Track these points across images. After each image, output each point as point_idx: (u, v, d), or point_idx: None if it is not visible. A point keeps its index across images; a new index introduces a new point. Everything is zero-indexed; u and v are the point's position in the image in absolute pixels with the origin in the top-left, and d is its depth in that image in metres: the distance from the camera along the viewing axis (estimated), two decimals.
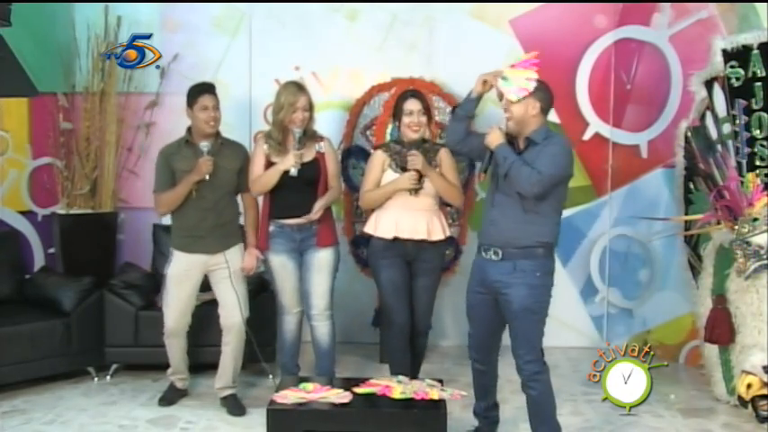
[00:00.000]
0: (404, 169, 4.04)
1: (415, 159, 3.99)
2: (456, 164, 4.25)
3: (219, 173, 4.14)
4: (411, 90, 4.28)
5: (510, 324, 3.57)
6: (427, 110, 4.15)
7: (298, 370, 4.46)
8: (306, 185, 4.19)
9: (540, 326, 3.58)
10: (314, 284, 4.26)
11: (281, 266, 4.29)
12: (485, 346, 3.75)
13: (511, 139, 3.50)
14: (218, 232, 4.21)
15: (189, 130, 4.23)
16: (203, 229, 4.18)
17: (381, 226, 4.13)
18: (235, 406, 4.29)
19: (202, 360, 4.55)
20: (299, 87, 4.26)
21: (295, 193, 4.18)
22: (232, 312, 4.23)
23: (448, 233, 4.19)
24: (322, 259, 4.26)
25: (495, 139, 3.45)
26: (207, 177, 4.08)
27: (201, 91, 4.15)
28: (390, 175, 4.10)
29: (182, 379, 4.44)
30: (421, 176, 4.01)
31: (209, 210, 4.17)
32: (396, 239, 4.08)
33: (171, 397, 4.41)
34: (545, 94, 3.53)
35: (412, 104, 4.09)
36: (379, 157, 4.17)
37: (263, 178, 4.18)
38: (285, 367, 4.44)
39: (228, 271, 4.21)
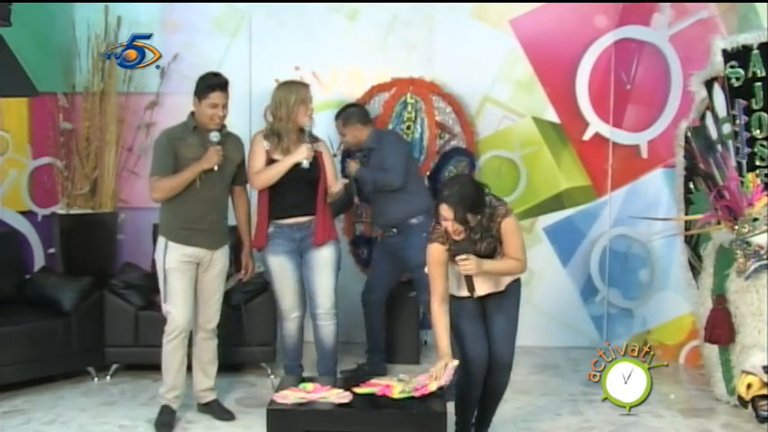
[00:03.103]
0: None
1: (468, 265, 3.40)
2: (519, 228, 3.57)
3: (226, 165, 4.01)
4: (445, 191, 3.43)
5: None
6: (464, 220, 3.37)
7: (301, 371, 4.45)
8: (306, 184, 4.19)
9: None
10: (318, 283, 4.25)
11: (280, 268, 4.25)
12: None
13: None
14: (217, 227, 4.06)
15: (193, 114, 4.03)
16: (206, 223, 3.99)
17: (457, 287, 3.57)
18: (223, 411, 4.18)
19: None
20: (304, 84, 4.30)
21: (296, 192, 4.17)
22: (212, 312, 4.11)
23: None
24: (324, 257, 4.25)
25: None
26: (216, 168, 3.94)
27: (214, 86, 3.94)
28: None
29: (178, 397, 4.08)
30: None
31: (213, 203, 4.02)
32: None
33: (169, 421, 4.04)
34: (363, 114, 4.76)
35: (445, 212, 3.39)
36: (437, 252, 3.50)
37: (270, 171, 4.13)
38: (288, 369, 4.42)
39: (217, 269, 4.08)
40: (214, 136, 3.95)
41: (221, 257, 4.09)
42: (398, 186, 4.59)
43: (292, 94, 4.17)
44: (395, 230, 4.72)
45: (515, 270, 3.55)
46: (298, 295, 4.31)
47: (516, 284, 3.65)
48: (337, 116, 4.81)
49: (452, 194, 3.40)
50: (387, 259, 4.87)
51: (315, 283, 4.25)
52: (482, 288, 3.55)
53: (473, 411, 3.71)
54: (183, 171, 3.91)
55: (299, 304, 4.33)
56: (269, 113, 4.32)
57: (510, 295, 3.63)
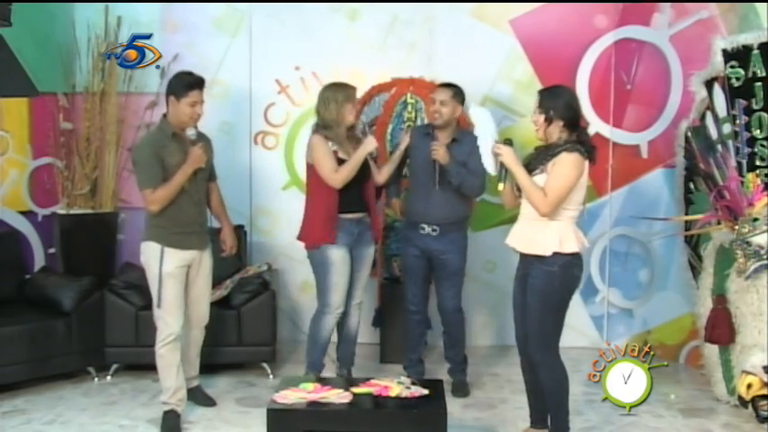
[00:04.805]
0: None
1: (498, 149, 3.56)
2: (571, 172, 3.48)
3: (206, 164, 4.07)
4: (548, 87, 3.79)
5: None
6: (547, 109, 3.55)
7: (323, 368, 4.53)
8: (361, 181, 4.34)
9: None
10: (361, 277, 4.50)
11: (342, 261, 4.33)
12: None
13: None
14: (204, 228, 4.15)
15: (165, 117, 4.01)
16: (197, 225, 4.06)
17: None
18: (205, 397, 4.35)
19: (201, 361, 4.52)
20: (351, 85, 4.41)
21: (354, 188, 4.31)
22: (203, 308, 4.22)
23: (564, 249, 3.50)
24: (371, 254, 4.55)
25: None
26: (203, 165, 3.97)
27: (193, 85, 3.94)
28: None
29: (182, 400, 4.06)
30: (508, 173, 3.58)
31: (201, 204, 4.11)
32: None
33: (176, 424, 4.00)
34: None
35: (537, 102, 3.62)
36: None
37: (348, 167, 4.23)
38: (314, 365, 4.47)
39: (207, 268, 4.17)
40: (192, 133, 3.96)
41: (208, 257, 4.18)
42: (479, 194, 4.57)
43: (340, 92, 4.30)
44: (437, 230, 4.45)
45: (534, 197, 3.47)
46: (346, 290, 4.42)
47: (543, 272, 3.53)
48: (444, 86, 4.56)
49: (550, 88, 3.70)
50: (422, 264, 4.58)
51: (358, 276, 4.48)
52: (516, 239, 3.65)
53: (533, 399, 3.84)
54: (174, 177, 3.89)
55: (344, 299, 4.42)
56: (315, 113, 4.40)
57: (532, 288, 3.58)
